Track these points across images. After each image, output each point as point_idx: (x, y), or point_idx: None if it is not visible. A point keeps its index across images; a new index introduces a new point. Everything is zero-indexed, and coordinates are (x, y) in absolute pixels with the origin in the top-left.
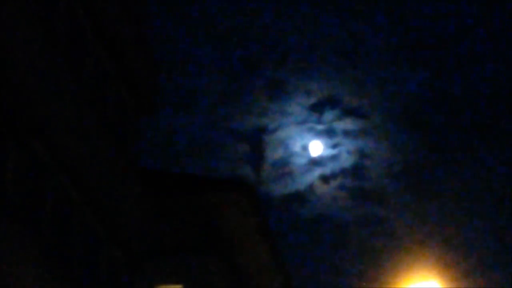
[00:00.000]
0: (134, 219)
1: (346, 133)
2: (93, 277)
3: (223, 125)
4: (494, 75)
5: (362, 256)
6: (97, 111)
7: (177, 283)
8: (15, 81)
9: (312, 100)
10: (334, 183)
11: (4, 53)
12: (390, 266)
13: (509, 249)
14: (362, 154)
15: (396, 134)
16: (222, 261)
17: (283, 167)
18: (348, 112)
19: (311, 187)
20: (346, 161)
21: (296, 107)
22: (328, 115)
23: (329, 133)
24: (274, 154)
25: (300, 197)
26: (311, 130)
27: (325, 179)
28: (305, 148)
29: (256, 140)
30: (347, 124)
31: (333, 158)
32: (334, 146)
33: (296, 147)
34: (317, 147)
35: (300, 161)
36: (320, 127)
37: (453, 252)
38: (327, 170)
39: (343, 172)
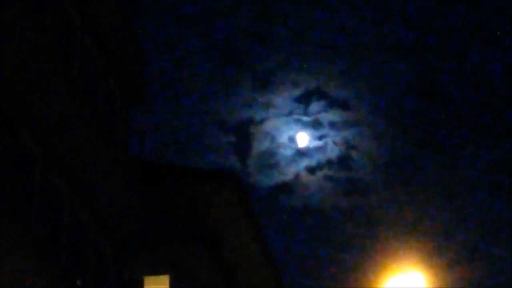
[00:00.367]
0: (122, 210)
1: (332, 125)
2: (81, 268)
3: (210, 117)
4: (482, 68)
5: (347, 246)
6: (85, 101)
7: (164, 273)
8: (2, 72)
9: (298, 91)
10: (320, 174)
11: None
12: (375, 257)
13: (493, 240)
14: (348, 145)
15: (382, 126)
16: (209, 252)
17: (270, 158)
18: (335, 104)
19: (297, 178)
20: (332, 152)
21: (283, 98)
22: (315, 107)
23: (315, 124)
24: (260, 145)
25: (286, 188)
26: (297, 121)
27: (311, 170)
28: (291, 139)
29: (243, 132)
30: (334, 115)
31: (319, 149)
32: (321, 137)
33: (283, 138)
34: (303, 139)
35: (287, 152)
36: (306, 118)
37: (438, 243)
38: (313, 161)
39: (329, 163)
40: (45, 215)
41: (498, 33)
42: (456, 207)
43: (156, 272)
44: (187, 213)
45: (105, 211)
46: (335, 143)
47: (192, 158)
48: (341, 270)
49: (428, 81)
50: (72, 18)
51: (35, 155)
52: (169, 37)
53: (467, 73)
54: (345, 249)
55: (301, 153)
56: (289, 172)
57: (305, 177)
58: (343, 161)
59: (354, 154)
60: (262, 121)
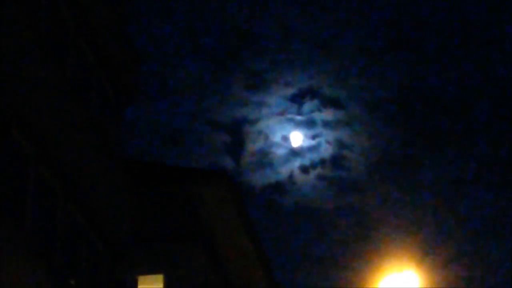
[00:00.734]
0: (116, 209)
1: (326, 124)
2: (74, 267)
3: (203, 116)
4: (473, 65)
5: (340, 245)
6: (78, 100)
7: (158, 272)
8: None
9: (292, 91)
10: (313, 173)
11: None
12: (369, 256)
13: (487, 238)
14: (341, 144)
15: (375, 125)
16: (203, 251)
17: (263, 157)
18: (328, 103)
19: (291, 177)
20: (326, 151)
21: (276, 98)
22: (308, 106)
23: (308, 124)
24: (254, 144)
25: (280, 187)
26: (291, 121)
27: (304, 169)
28: (285, 138)
29: (236, 131)
30: (327, 115)
31: (313, 148)
32: (314, 136)
33: (276, 137)
34: (297, 138)
35: (280, 151)
36: (299, 118)
37: (432, 242)
38: (306, 160)
39: (323, 162)
40: (38, 214)
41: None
42: (450, 206)
43: (150, 271)
44: (181, 212)
45: (98, 209)
46: (328, 142)
47: (186, 157)
48: (335, 269)
49: (421, 79)
50: (65, 18)
51: (28, 154)
52: (161, 36)
53: (460, 70)
54: (339, 248)
55: (295, 153)
56: (282, 172)
57: (299, 176)
58: (336, 160)
59: (347, 153)
60: (255, 120)
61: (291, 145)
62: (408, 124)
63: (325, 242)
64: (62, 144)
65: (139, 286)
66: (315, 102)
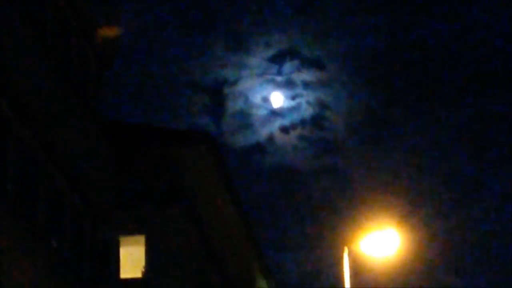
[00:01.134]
0: (97, 171)
1: (306, 85)
2: (57, 229)
3: (183, 78)
4: (453, 27)
5: (322, 205)
6: (58, 64)
7: (140, 233)
8: None
9: (271, 52)
10: (294, 134)
11: None
12: (350, 215)
13: (464, 197)
14: (321, 105)
15: (356, 86)
16: (184, 212)
17: (243, 118)
18: (308, 64)
19: (271, 138)
20: (306, 112)
21: (256, 59)
22: (288, 67)
23: (289, 84)
24: (234, 105)
25: (260, 148)
26: (271, 81)
27: (285, 130)
28: (265, 99)
29: (216, 92)
30: (307, 75)
31: (293, 109)
32: (294, 97)
33: (256, 98)
34: (277, 99)
35: (261, 112)
36: (280, 78)
37: (410, 201)
38: (287, 121)
39: (303, 123)
40: (19, 176)
41: None
42: (429, 165)
43: (132, 232)
44: (163, 173)
45: (79, 171)
46: (308, 103)
47: (166, 119)
48: (316, 228)
49: (401, 41)
50: None
51: (7, 116)
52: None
53: (440, 32)
54: (320, 208)
55: (275, 113)
56: (263, 132)
57: (279, 137)
58: (317, 121)
59: (328, 113)
60: (235, 81)
61: (271, 106)
62: (389, 84)
63: (306, 202)
64: (43, 108)
65: (121, 247)
66: (295, 62)
